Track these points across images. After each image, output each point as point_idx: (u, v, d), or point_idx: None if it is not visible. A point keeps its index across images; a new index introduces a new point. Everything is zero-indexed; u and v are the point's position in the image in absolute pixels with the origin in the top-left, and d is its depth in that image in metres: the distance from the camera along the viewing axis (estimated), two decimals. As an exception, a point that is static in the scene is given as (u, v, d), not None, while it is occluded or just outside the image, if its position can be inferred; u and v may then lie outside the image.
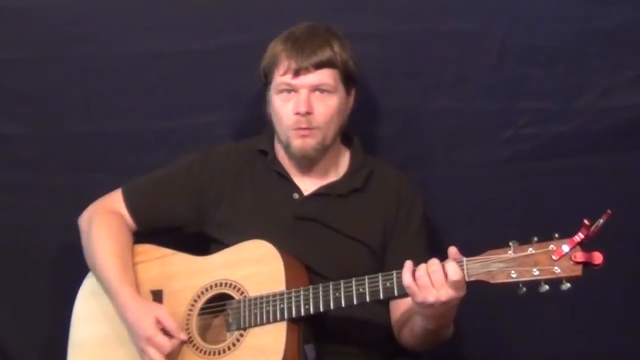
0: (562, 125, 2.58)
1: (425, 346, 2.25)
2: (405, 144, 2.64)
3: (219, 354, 2.20)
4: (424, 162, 2.63)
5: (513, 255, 1.98)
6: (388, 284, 2.09)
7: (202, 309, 2.26)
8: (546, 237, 1.99)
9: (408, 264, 2.05)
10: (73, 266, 2.48)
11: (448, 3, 2.60)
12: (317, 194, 2.35)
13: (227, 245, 2.30)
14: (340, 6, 2.57)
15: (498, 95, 2.60)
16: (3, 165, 2.75)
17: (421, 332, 2.17)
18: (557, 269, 1.95)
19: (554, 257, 1.95)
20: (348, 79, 2.34)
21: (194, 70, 2.68)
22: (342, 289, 2.12)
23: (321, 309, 2.14)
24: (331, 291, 2.13)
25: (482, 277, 2.00)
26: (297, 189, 2.36)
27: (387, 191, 2.37)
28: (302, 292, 2.16)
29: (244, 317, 2.19)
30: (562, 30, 2.55)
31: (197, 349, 2.23)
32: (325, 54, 2.29)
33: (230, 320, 2.22)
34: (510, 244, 1.99)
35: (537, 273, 1.95)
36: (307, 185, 2.37)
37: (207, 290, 2.26)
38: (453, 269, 2.00)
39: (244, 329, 2.19)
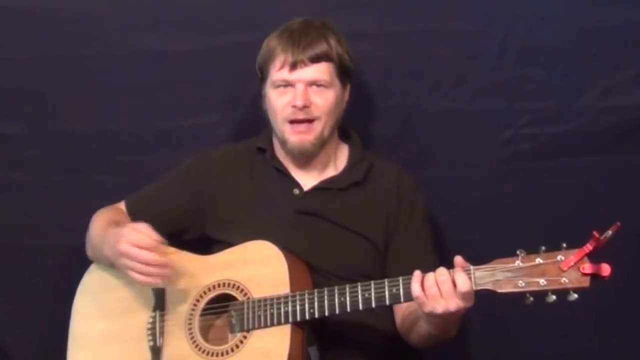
0: (562, 125, 2.58)
1: (429, 344, 2.24)
2: (405, 144, 2.64)
3: (222, 355, 2.19)
4: (424, 162, 2.63)
5: (521, 264, 1.98)
6: (394, 290, 2.08)
7: (204, 309, 2.25)
8: (551, 243, 1.98)
9: (417, 274, 2.04)
10: (73, 266, 2.48)
11: (448, 3, 2.60)
12: (317, 189, 2.35)
13: (230, 244, 2.30)
14: (340, 6, 2.57)
15: (498, 95, 2.60)
16: (3, 165, 2.75)
17: (426, 335, 2.18)
18: (564, 280, 1.94)
19: (561, 268, 1.95)
20: (343, 73, 2.34)
21: (194, 70, 2.68)
22: (347, 294, 2.12)
23: (326, 313, 2.14)
24: (336, 295, 2.13)
25: (490, 287, 1.99)
26: (296, 184, 2.36)
27: (387, 185, 2.37)
28: (306, 295, 2.15)
29: (248, 318, 2.19)
30: (562, 30, 2.55)
31: (199, 349, 2.22)
32: (321, 47, 2.29)
33: (233, 321, 2.21)
34: (518, 252, 1.99)
35: (544, 283, 1.95)
36: (307, 180, 2.37)
37: (209, 290, 2.26)
38: (462, 280, 1.99)
39: (247, 331, 2.19)
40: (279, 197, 2.35)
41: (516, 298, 1.98)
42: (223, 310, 2.25)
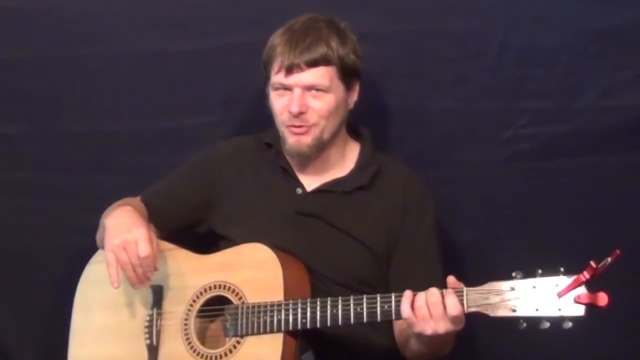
0: (562, 125, 2.58)
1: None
2: (405, 144, 2.64)
3: (216, 358, 2.19)
4: (424, 162, 2.62)
5: (515, 289, 1.94)
6: (386, 307, 2.06)
7: (200, 310, 2.25)
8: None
9: (408, 294, 2.01)
10: (73, 266, 2.48)
11: (448, 3, 2.60)
12: (320, 190, 2.32)
13: (233, 241, 2.30)
14: (340, 6, 2.56)
15: (498, 95, 2.60)
16: (3, 165, 2.75)
17: (417, 352, 2.17)
18: (559, 308, 1.91)
19: (557, 296, 1.91)
20: (347, 74, 2.28)
21: (194, 70, 2.68)
22: (339, 307, 2.10)
23: (318, 324, 2.13)
24: (329, 307, 2.12)
25: (482, 309, 1.96)
26: (300, 184, 2.33)
27: (394, 191, 2.32)
28: (299, 305, 2.14)
29: (242, 324, 2.18)
30: (562, 30, 2.55)
31: (194, 351, 2.23)
32: (319, 51, 2.23)
33: (227, 325, 2.21)
34: (514, 274, 1.95)
35: (538, 310, 1.92)
36: (311, 180, 2.34)
37: (205, 291, 2.25)
38: (452, 304, 1.96)
39: (241, 336, 2.18)
40: (281, 196, 2.33)
41: (509, 322, 1.95)
42: (218, 313, 2.24)
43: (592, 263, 1.87)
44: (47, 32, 2.70)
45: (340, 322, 2.11)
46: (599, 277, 1.89)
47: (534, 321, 1.92)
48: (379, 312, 2.07)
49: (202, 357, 2.21)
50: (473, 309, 1.97)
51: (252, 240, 2.25)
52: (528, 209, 2.62)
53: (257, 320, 2.16)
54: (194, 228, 2.42)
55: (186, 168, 2.46)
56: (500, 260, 2.50)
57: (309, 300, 2.15)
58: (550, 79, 2.57)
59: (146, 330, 2.27)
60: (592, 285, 1.92)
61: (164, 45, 2.67)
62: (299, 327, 2.13)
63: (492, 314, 1.95)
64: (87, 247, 2.43)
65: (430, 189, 2.39)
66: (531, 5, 2.56)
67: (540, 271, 1.94)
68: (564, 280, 1.91)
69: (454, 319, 1.97)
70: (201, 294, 2.26)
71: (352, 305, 2.09)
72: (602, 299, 1.90)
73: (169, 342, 2.25)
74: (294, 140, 2.27)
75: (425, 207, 2.33)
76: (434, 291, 1.99)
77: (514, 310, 1.93)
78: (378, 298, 2.07)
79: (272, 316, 2.15)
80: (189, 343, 2.23)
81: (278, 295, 2.16)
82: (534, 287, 1.93)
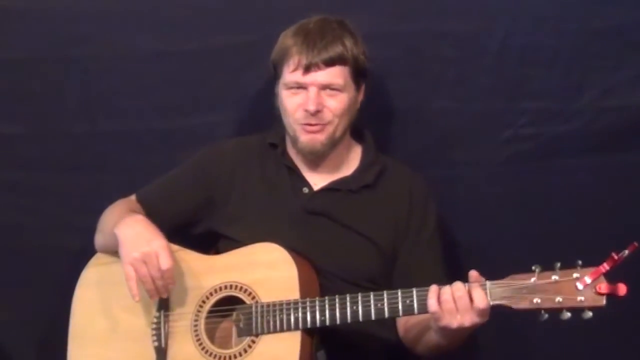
0: (562, 125, 2.58)
1: (435, 355, 2.24)
2: (405, 144, 2.64)
3: (230, 358, 2.18)
4: (424, 162, 2.62)
5: (537, 281, 1.98)
6: (408, 302, 2.07)
7: (210, 311, 2.24)
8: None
9: (434, 288, 2.03)
10: (73, 266, 2.48)
11: (448, 3, 2.60)
12: (327, 189, 2.33)
13: (236, 241, 2.29)
14: (340, 6, 2.56)
15: (498, 95, 2.60)
16: (3, 165, 2.75)
17: (434, 346, 2.17)
18: (581, 299, 1.95)
19: (578, 286, 1.95)
20: (358, 75, 2.31)
21: (194, 70, 2.68)
22: (359, 303, 2.11)
23: (338, 322, 2.12)
24: (348, 304, 2.12)
25: (505, 302, 2.00)
26: (306, 183, 2.34)
27: (399, 190, 2.34)
28: (317, 302, 2.14)
29: (257, 323, 2.17)
30: (562, 30, 2.55)
31: (206, 352, 2.21)
32: (336, 50, 2.26)
33: (241, 325, 2.20)
34: (534, 268, 1.98)
35: (560, 301, 1.96)
36: (317, 179, 2.35)
37: (216, 291, 2.24)
38: (480, 296, 1.99)
39: (256, 335, 2.18)
40: (287, 195, 2.34)
41: (530, 314, 1.99)
42: (229, 313, 2.23)
43: (614, 254, 1.92)
44: (47, 32, 2.70)
45: (361, 319, 2.11)
46: (617, 268, 1.94)
47: (555, 312, 1.96)
48: (400, 307, 2.07)
49: (214, 357, 2.20)
50: (497, 302, 2.00)
51: (257, 239, 2.25)
52: (528, 209, 2.62)
53: (274, 318, 2.15)
54: (190, 228, 2.41)
55: (186, 166, 2.45)
56: (500, 260, 2.50)
57: (327, 297, 2.14)
58: (550, 79, 2.57)
59: (153, 332, 2.26)
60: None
61: (164, 45, 2.67)
62: (318, 324, 2.13)
63: (514, 307, 1.99)
64: (87, 247, 2.43)
65: (430, 188, 2.40)
66: (531, 5, 2.56)
67: (559, 264, 1.98)
68: (584, 272, 1.96)
69: (480, 312, 1.99)
70: (211, 294, 2.24)
71: (372, 301, 2.10)
72: (622, 289, 1.95)
73: (178, 343, 2.24)
74: (307, 139, 2.28)
75: (429, 206, 2.36)
76: (459, 285, 2.01)
77: (536, 302, 1.97)
78: (399, 293, 2.08)
79: (289, 314, 2.14)
80: (200, 344, 2.22)
81: (294, 295, 2.16)
82: (555, 279, 1.97)
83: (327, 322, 2.12)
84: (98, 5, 2.69)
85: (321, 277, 2.24)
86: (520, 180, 2.62)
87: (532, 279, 1.98)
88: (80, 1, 2.70)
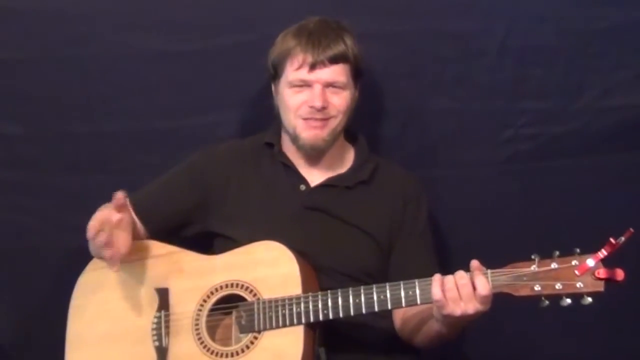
0: (562, 125, 2.59)
1: (434, 345, 2.26)
2: (405, 144, 2.65)
3: (232, 355, 2.19)
4: (424, 162, 2.63)
5: (536, 269, 2.01)
6: (410, 292, 2.09)
7: (211, 309, 2.24)
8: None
9: (437, 277, 2.06)
10: (73, 266, 2.48)
11: (448, 3, 2.60)
12: (324, 185, 2.36)
13: (234, 240, 2.30)
14: (340, 6, 2.57)
15: (498, 95, 2.60)
16: (3, 165, 2.75)
17: (435, 335, 2.19)
18: (580, 285, 1.99)
19: (577, 273, 1.99)
20: (357, 74, 2.35)
21: (194, 70, 2.68)
22: (362, 295, 2.12)
23: (341, 315, 2.14)
24: (351, 297, 2.13)
25: (506, 290, 2.03)
26: (303, 180, 2.36)
27: (393, 187, 2.38)
28: (319, 296, 2.15)
29: (259, 319, 2.18)
30: (562, 30, 2.56)
31: (208, 349, 2.21)
32: (339, 48, 2.30)
33: (242, 322, 2.20)
34: (533, 257, 2.02)
35: (560, 287, 2.00)
36: (314, 177, 2.37)
37: (217, 290, 2.25)
38: (482, 284, 2.02)
39: (258, 332, 2.18)
40: (284, 193, 2.35)
41: (531, 301, 2.02)
42: (229, 310, 2.24)
43: (612, 239, 1.95)
44: (47, 32, 2.70)
45: (364, 311, 2.12)
46: (615, 254, 1.97)
47: (555, 299, 2.00)
48: (403, 297, 2.09)
49: (216, 355, 2.20)
50: (498, 290, 2.03)
51: (256, 238, 2.25)
52: (528, 209, 2.62)
53: (276, 314, 2.16)
54: (181, 230, 2.42)
55: (178, 170, 2.46)
56: (500, 260, 2.49)
57: (329, 291, 2.15)
58: (550, 79, 2.58)
59: (154, 332, 2.27)
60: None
61: (164, 45, 2.67)
62: (321, 318, 2.14)
63: (515, 294, 2.02)
64: (87, 247, 2.43)
65: (422, 184, 2.43)
66: (531, 5, 2.56)
67: (557, 252, 2.01)
68: (582, 258, 1.99)
69: (483, 299, 2.02)
70: (212, 293, 2.25)
71: (375, 293, 2.11)
72: (620, 274, 1.98)
73: (180, 342, 2.24)
74: (310, 135, 2.31)
75: (422, 201, 2.40)
76: (462, 273, 2.05)
77: (537, 289, 2.00)
78: (402, 284, 2.10)
79: (291, 309, 2.15)
80: (202, 342, 2.22)
81: (296, 291, 2.17)
82: (554, 266, 2.01)
83: (330, 316, 2.14)
84: (98, 5, 2.69)
85: (320, 273, 2.24)
86: (520, 180, 2.62)
87: (532, 267, 2.02)
88: (80, 1, 2.69)
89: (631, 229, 1.93)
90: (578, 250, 2.00)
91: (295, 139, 2.34)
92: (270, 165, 2.40)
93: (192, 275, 2.28)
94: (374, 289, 2.12)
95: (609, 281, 1.98)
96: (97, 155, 2.74)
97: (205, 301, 2.24)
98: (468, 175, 2.63)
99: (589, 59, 2.56)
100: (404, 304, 2.10)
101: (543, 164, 2.61)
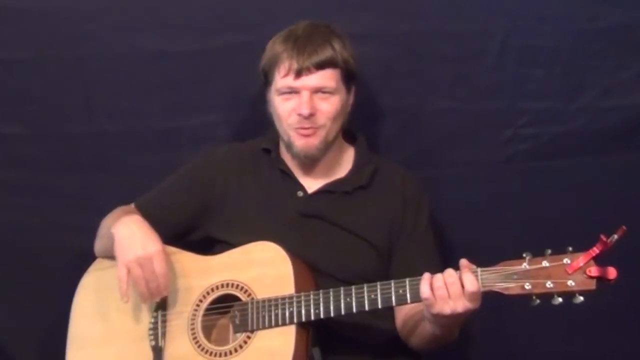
0: (562, 125, 2.58)
1: (430, 347, 2.25)
2: (405, 144, 2.64)
3: (226, 355, 2.19)
4: (424, 162, 2.62)
5: (527, 267, 1.99)
6: (401, 291, 2.08)
7: (207, 309, 2.25)
8: (551, 243, 2.00)
9: (426, 276, 2.05)
10: (73, 266, 2.48)
11: (448, 3, 2.60)
12: (321, 192, 2.35)
13: (233, 245, 2.30)
14: (340, 6, 2.57)
15: (498, 95, 2.60)
16: (3, 165, 2.75)
17: (429, 336, 2.18)
18: (571, 283, 1.96)
19: (568, 271, 1.96)
20: (349, 78, 2.33)
21: (194, 70, 2.68)
22: (353, 295, 2.12)
23: (332, 314, 2.13)
24: (342, 296, 2.13)
25: (496, 288, 2.01)
26: (301, 186, 2.35)
27: (392, 189, 2.36)
28: (312, 296, 2.15)
29: (252, 319, 2.18)
30: (562, 30, 2.55)
31: (202, 349, 2.22)
32: (326, 53, 2.28)
33: (237, 321, 2.21)
34: (524, 255, 2.00)
35: (551, 286, 1.96)
36: (311, 183, 2.36)
37: (212, 290, 2.25)
38: (470, 281, 2.01)
39: (252, 331, 2.19)
40: (282, 199, 2.35)
41: (522, 300, 1.99)
42: (226, 310, 2.24)
43: (603, 237, 1.93)
44: (47, 32, 2.70)
45: (354, 310, 2.11)
46: (607, 252, 1.94)
47: (546, 297, 1.97)
48: (393, 297, 2.09)
49: (210, 354, 2.20)
50: (488, 288, 2.01)
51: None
52: (528, 209, 2.62)
53: (269, 314, 2.17)
54: (187, 235, 2.41)
55: (181, 175, 2.46)
56: (499, 260, 2.49)
57: (321, 291, 2.15)
58: (550, 79, 2.57)
59: (151, 332, 2.27)
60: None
61: (164, 45, 2.67)
62: (312, 317, 2.14)
63: (505, 293, 2.00)
64: (87, 247, 2.43)
65: (423, 185, 2.41)
66: (531, 5, 2.56)
67: (549, 251, 1.99)
68: (574, 256, 1.97)
69: (471, 296, 2.00)
70: (208, 293, 2.25)
71: (365, 292, 2.11)
72: (612, 272, 1.95)
73: (175, 342, 2.25)
74: (302, 143, 2.30)
75: (422, 202, 2.38)
76: (450, 271, 2.04)
77: (527, 288, 1.98)
78: (392, 284, 2.10)
79: (283, 309, 2.15)
80: (197, 342, 2.23)
81: (289, 290, 2.17)
82: (545, 264, 1.98)
83: (322, 315, 2.13)
84: (98, 5, 2.69)
85: (319, 279, 2.24)
86: (520, 180, 2.62)
87: (523, 265, 1.99)
88: (80, 1, 2.69)
89: (624, 227, 1.91)
90: (570, 248, 1.98)
91: (289, 147, 2.33)
92: (268, 171, 2.39)
93: (189, 275, 2.28)
94: (365, 288, 2.11)
95: (601, 279, 1.95)
96: (97, 155, 2.74)
97: (201, 301, 2.25)
98: (468, 175, 2.63)
99: (589, 59, 2.56)
100: (394, 303, 2.10)
101: (543, 164, 2.60)
